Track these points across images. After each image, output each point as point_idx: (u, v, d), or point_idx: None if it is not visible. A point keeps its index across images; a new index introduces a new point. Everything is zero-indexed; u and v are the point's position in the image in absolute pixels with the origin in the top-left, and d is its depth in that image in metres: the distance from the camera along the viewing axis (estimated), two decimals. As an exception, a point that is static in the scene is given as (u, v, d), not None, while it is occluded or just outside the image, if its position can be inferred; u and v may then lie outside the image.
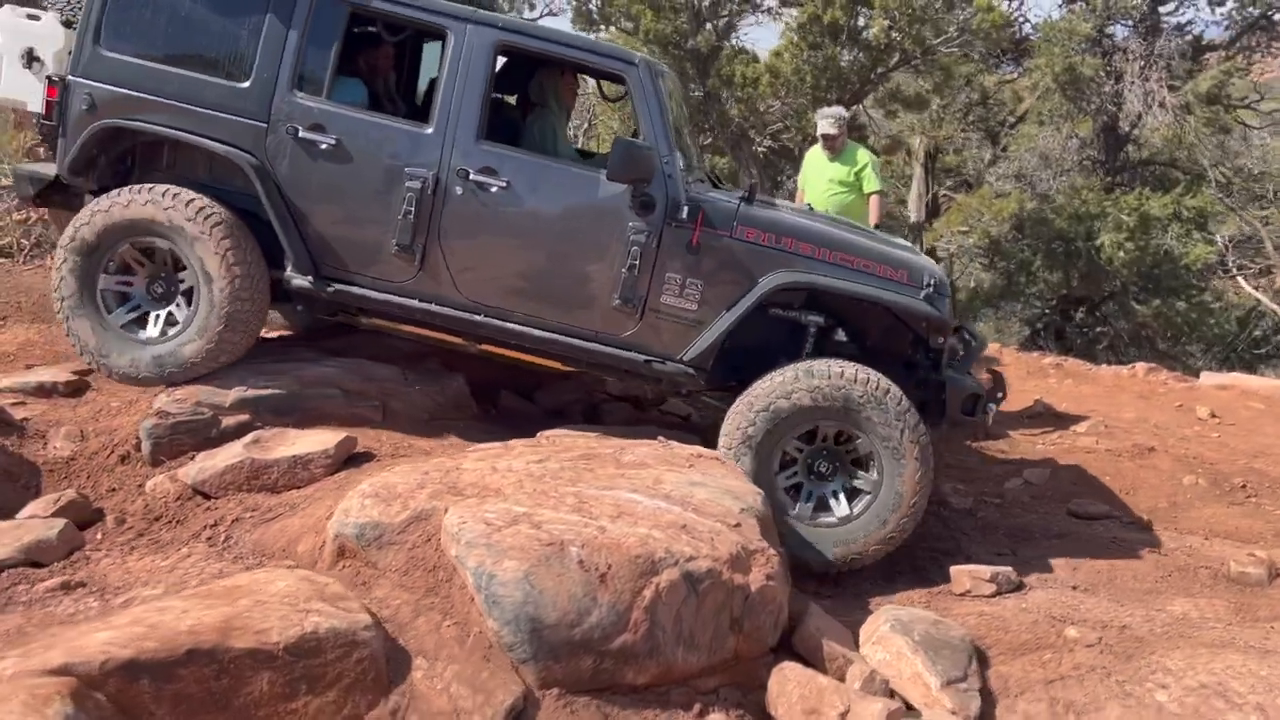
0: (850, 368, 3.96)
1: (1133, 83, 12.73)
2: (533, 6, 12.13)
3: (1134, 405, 7.63)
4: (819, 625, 3.29)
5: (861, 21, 10.20)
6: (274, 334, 5.48)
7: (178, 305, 4.24)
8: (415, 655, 2.71)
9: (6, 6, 4.56)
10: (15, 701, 2.08)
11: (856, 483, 4.08)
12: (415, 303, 4.18)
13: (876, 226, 6.67)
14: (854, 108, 11.46)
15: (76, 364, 4.82)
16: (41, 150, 6.47)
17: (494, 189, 4.10)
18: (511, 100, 5.06)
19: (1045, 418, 7.12)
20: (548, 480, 3.28)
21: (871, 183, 6.61)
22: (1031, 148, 13.79)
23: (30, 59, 4.33)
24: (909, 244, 4.87)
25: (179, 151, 4.30)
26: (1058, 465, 5.94)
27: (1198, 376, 8.96)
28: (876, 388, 3.92)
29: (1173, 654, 3.29)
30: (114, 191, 4.13)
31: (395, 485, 3.17)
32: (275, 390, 4.22)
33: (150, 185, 4.11)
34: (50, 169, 4.47)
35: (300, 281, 4.18)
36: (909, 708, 3.06)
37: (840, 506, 4.07)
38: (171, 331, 4.22)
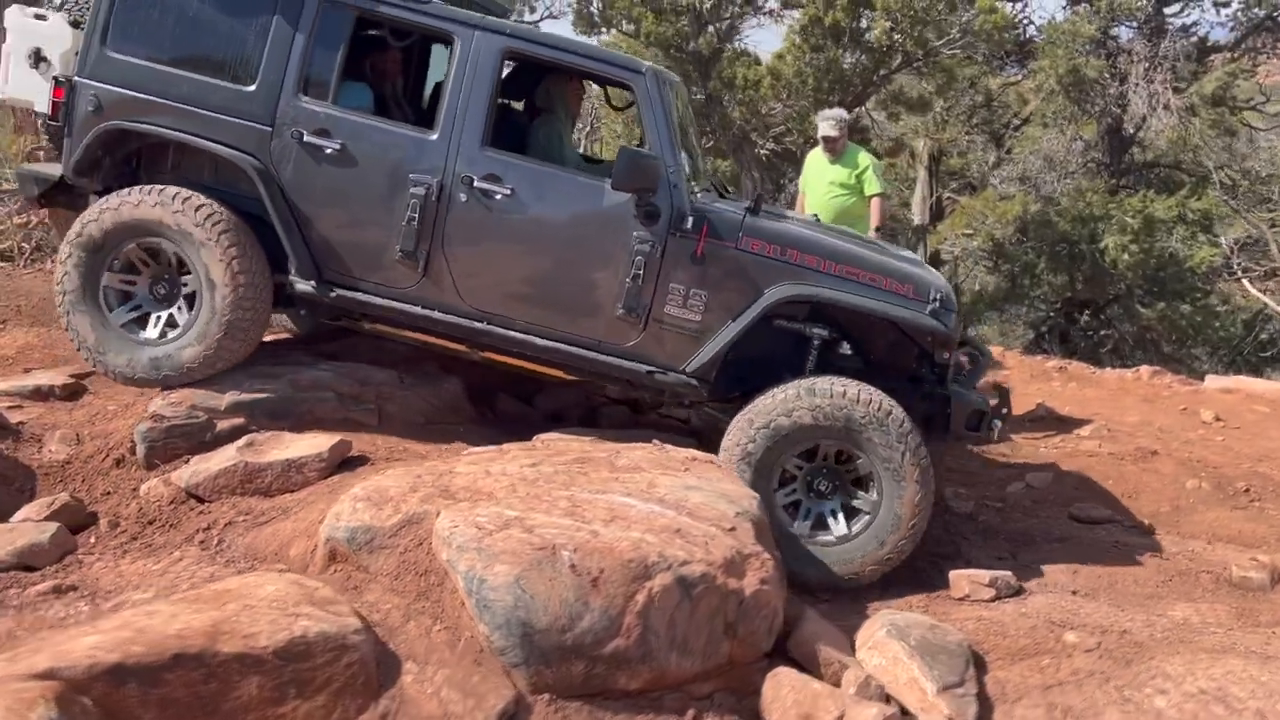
0: (853, 387, 3.90)
1: (1137, 84, 12.68)
2: (533, 9, 12.13)
3: (1138, 409, 7.59)
4: (814, 630, 3.26)
5: (863, 23, 10.18)
6: (269, 337, 5.47)
7: (179, 308, 4.23)
8: (405, 659, 2.69)
9: (14, 6, 4.57)
10: (-1, 706, 2.07)
11: (855, 502, 4.02)
12: (418, 309, 4.17)
13: (878, 229, 6.65)
14: (856, 110, 11.44)
15: (74, 367, 4.82)
16: (41, 154, 6.48)
17: (498, 196, 4.07)
18: (518, 105, 5.05)
19: (1048, 421, 7.08)
20: (541, 484, 3.26)
21: (873, 185, 6.58)
22: (1035, 150, 13.75)
23: (37, 59, 4.32)
24: (916, 257, 4.83)
25: (184, 154, 4.30)
26: (1060, 469, 5.90)
27: (1202, 380, 8.90)
28: (879, 408, 3.87)
29: (1173, 659, 3.26)
30: (125, 190, 4.12)
31: (387, 489, 3.15)
32: (270, 394, 4.21)
33: (161, 187, 4.10)
34: (56, 170, 4.48)
35: (303, 286, 4.17)
36: (905, 713, 3.02)
37: (838, 526, 4.02)
38: (171, 334, 4.21)
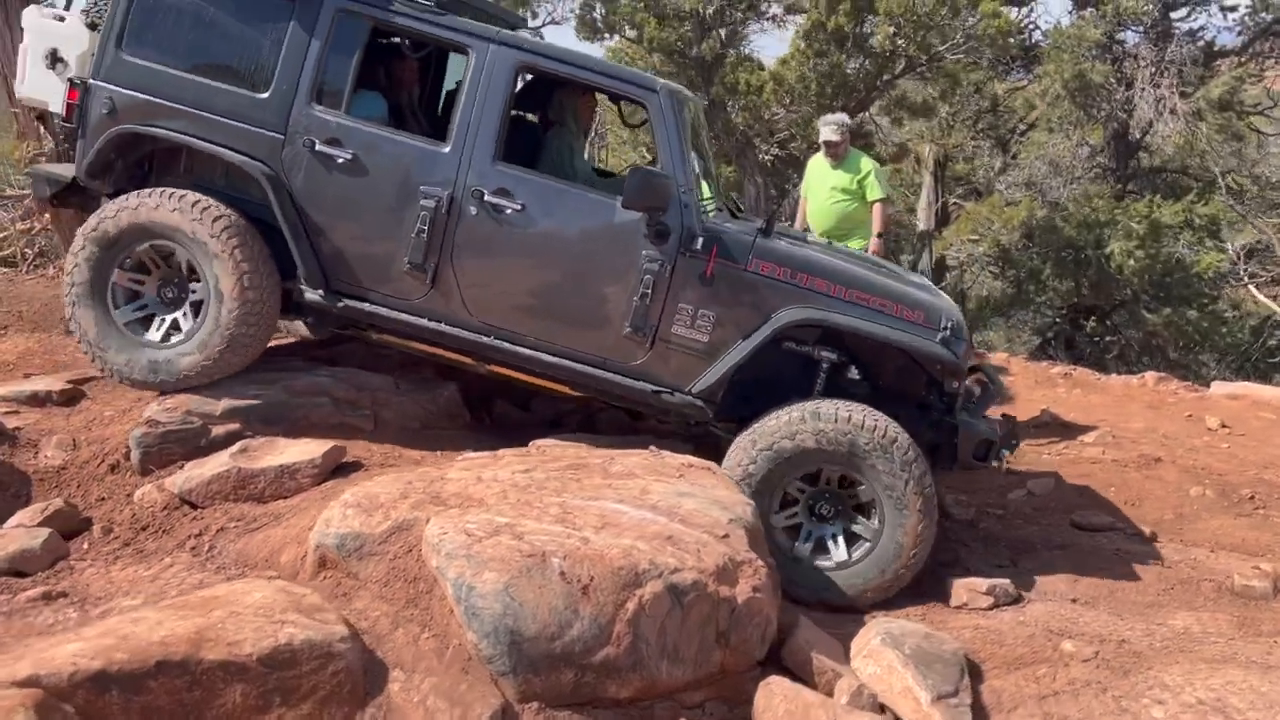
0: (859, 412, 3.86)
1: (1144, 89, 12.64)
2: (535, 15, 12.15)
3: (1143, 415, 7.53)
4: (808, 638, 3.24)
5: (867, 28, 10.16)
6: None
7: (184, 314, 4.22)
8: (393, 667, 2.67)
9: (33, 7, 4.58)
10: (-22, 714, 2.06)
11: (856, 529, 3.97)
12: (425, 322, 4.15)
13: (880, 235, 6.63)
14: (860, 115, 11.42)
15: (72, 373, 4.83)
16: (44, 160, 6.49)
17: (508, 211, 4.06)
18: (532, 118, 5.04)
19: (1052, 428, 7.03)
20: (532, 490, 3.24)
21: (875, 190, 6.55)
22: (1041, 155, 13.70)
23: (54, 60, 4.34)
24: (928, 283, 4.78)
25: (196, 158, 4.30)
26: (1062, 476, 5.86)
27: (1208, 386, 8.84)
28: (884, 436, 3.82)
29: (1171, 669, 3.22)
30: (145, 191, 4.11)
31: (377, 495, 3.14)
32: (266, 399, 4.20)
33: (182, 193, 4.09)
34: (68, 171, 4.49)
35: (311, 295, 4.16)
36: (898, 723, 3.00)
37: (838, 551, 3.96)
38: (174, 339, 4.20)
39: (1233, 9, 13.51)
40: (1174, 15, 13.18)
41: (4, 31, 6.19)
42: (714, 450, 4.61)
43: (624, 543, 2.96)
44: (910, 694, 3.03)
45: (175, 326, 4.24)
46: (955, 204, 15.76)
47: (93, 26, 4.37)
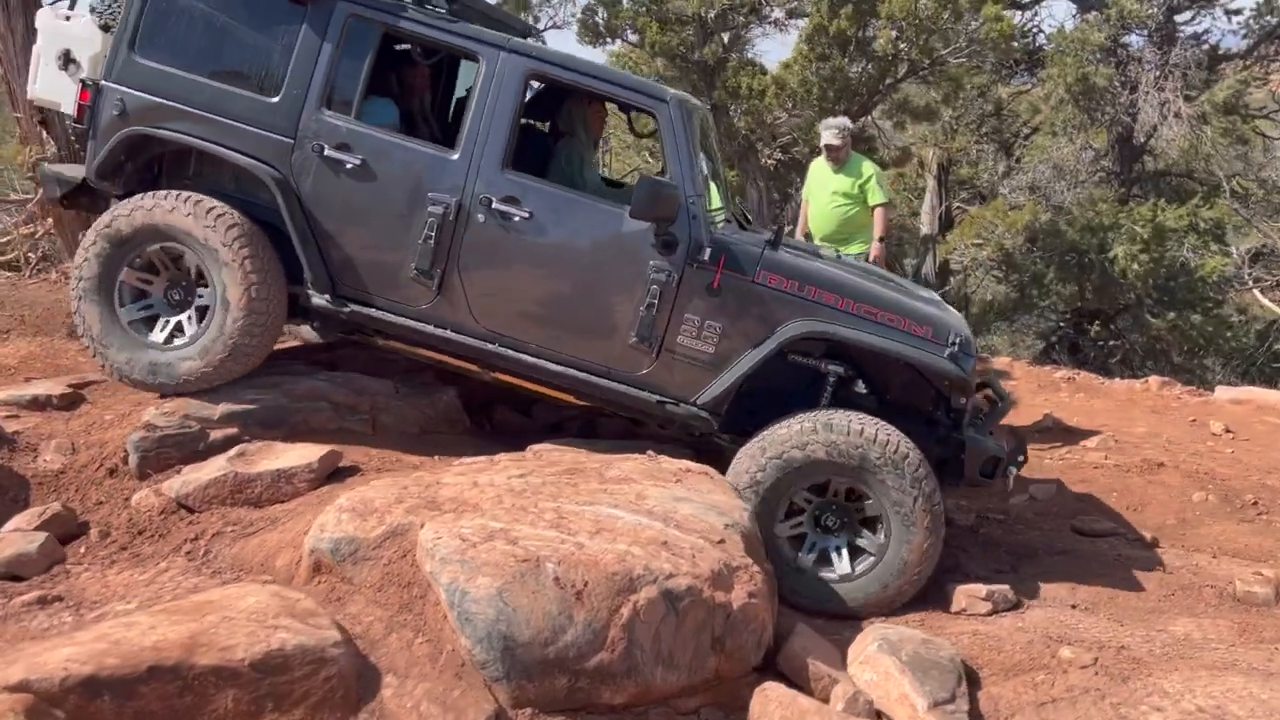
0: (871, 426, 3.83)
1: (1148, 93, 12.60)
2: (536, 19, 12.16)
3: (1146, 420, 7.50)
4: (804, 644, 3.22)
5: (869, 32, 10.15)
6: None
7: (189, 318, 4.22)
8: (386, 673, 2.67)
9: (46, 8, 4.60)
10: (-32, 719, 2.06)
11: (861, 542, 3.93)
12: (431, 328, 4.15)
13: (882, 239, 6.62)
14: (863, 119, 11.40)
15: (73, 377, 4.84)
16: (47, 165, 6.52)
17: (516, 219, 4.05)
18: (543, 126, 5.04)
19: (1054, 432, 7.00)
20: (528, 495, 3.23)
21: (876, 195, 6.54)
22: (1045, 159, 13.67)
23: (67, 61, 4.35)
24: (937, 297, 4.76)
25: (206, 161, 4.31)
26: (1064, 481, 5.83)
27: (1213, 391, 8.81)
28: (895, 450, 3.80)
29: (1171, 676, 3.20)
30: (162, 193, 4.12)
31: (372, 500, 3.14)
32: (264, 403, 4.21)
33: (199, 198, 4.09)
34: (78, 172, 4.50)
35: (318, 300, 4.16)
36: (895, 730, 2.98)
37: (842, 564, 3.93)
38: (176, 342, 4.20)
39: (1237, 12, 13.47)
40: (1178, 18, 13.14)
41: (6, 35, 6.22)
42: (714, 457, 4.61)
43: (619, 548, 2.95)
44: (907, 700, 3.01)
45: (179, 329, 4.24)
46: (959, 208, 15.74)
47: (106, 28, 4.39)
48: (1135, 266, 11.62)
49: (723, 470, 4.02)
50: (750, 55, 11.66)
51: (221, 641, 2.47)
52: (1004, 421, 5.12)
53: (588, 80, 4.17)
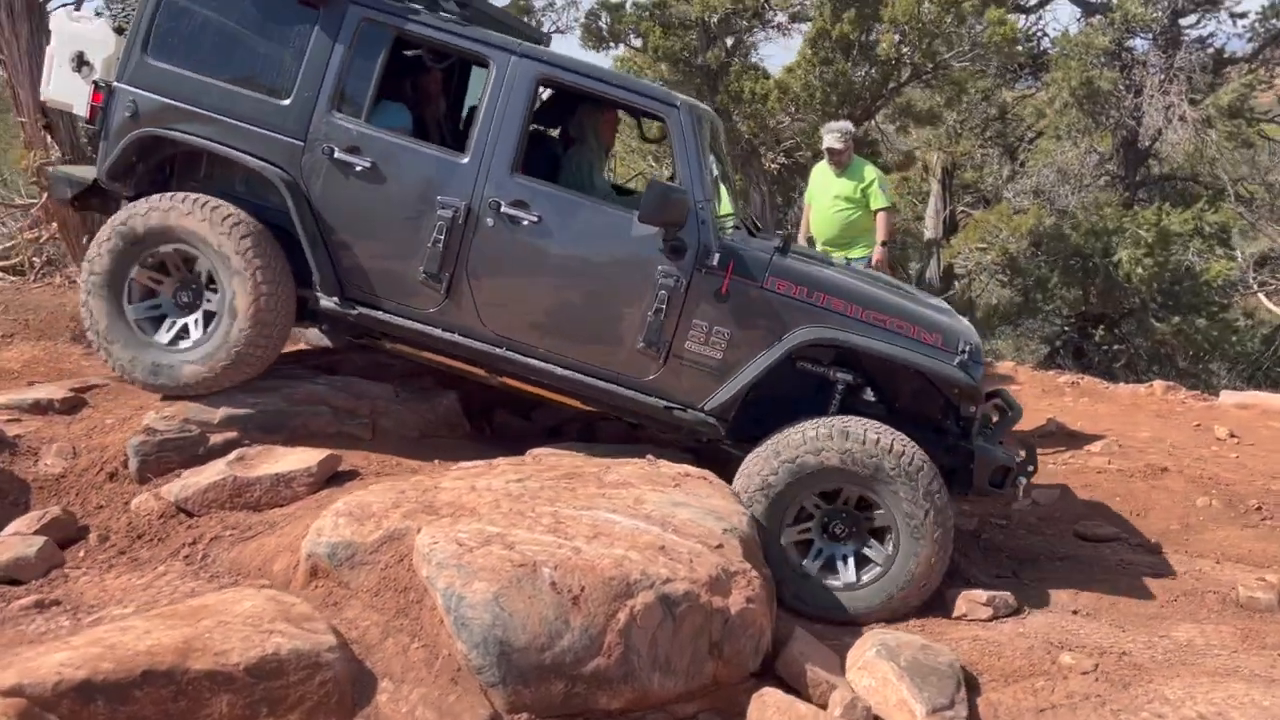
0: (888, 436, 3.80)
1: (1153, 96, 12.58)
2: (540, 24, 12.17)
3: (1150, 424, 7.47)
4: (803, 649, 3.21)
5: (872, 36, 10.14)
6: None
7: (196, 322, 4.22)
8: (381, 678, 2.66)
9: (60, 10, 4.62)
10: (-39, 723, 2.06)
11: (868, 552, 3.90)
12: (439, 332, 4.14)
13: (885, 243, 6.60)
14: (866, 124, 11.39)
15: (75, 381, 4.84)
16: (58, 166, 6.54)
17: (525, 223, 4.05)
18: (554, 134, 5.04)
19: (1058, 437, 6.98)
20: (525, 500, 3.23)
21: (878, 199, 6.53)
22: (1050, 163, 13.64)
23: (80, 63, 4.36)
24: (946, 306, 4.75)
25: (217, 163, 4.31)
26: (1067, 486, 5.81)
27: (1218, 395, 8.77)
28: (910, 463, 3.77)
29: (1172, 682, 3.18)
30: (180, 196, 4.12)
31: (370, 504, 3.13)
32: (264, 407, 4.20)
33: (216, 204, 4.09)
34: (90, 173, 4.51)
35: (326, 302, 4.16)
36: (893, 736, 2.97)
37: (847, 572, 3.90)
38: (181, 344, 4.20)
39: (1242, 15, 13.46)
40: (1183, 22, 13.12)
41: (11, 41, 6.25)
42: (713, 463, 4.60)
43: (616, 553, 2.94)
44: (905, 706, 3.00)
45: (185, 332, 4.24)
46: (963, 212, 15.72)
47: (119, 31, 4.41)
48: (1140, 270, 11.59)
49: (725, 475, 4.02)
50: (754, 60, 11.67)
51: (216, 646, 2.47)
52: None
53: (598, 85, 4.17)
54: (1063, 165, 13.53)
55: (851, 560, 3.92)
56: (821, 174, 6.75)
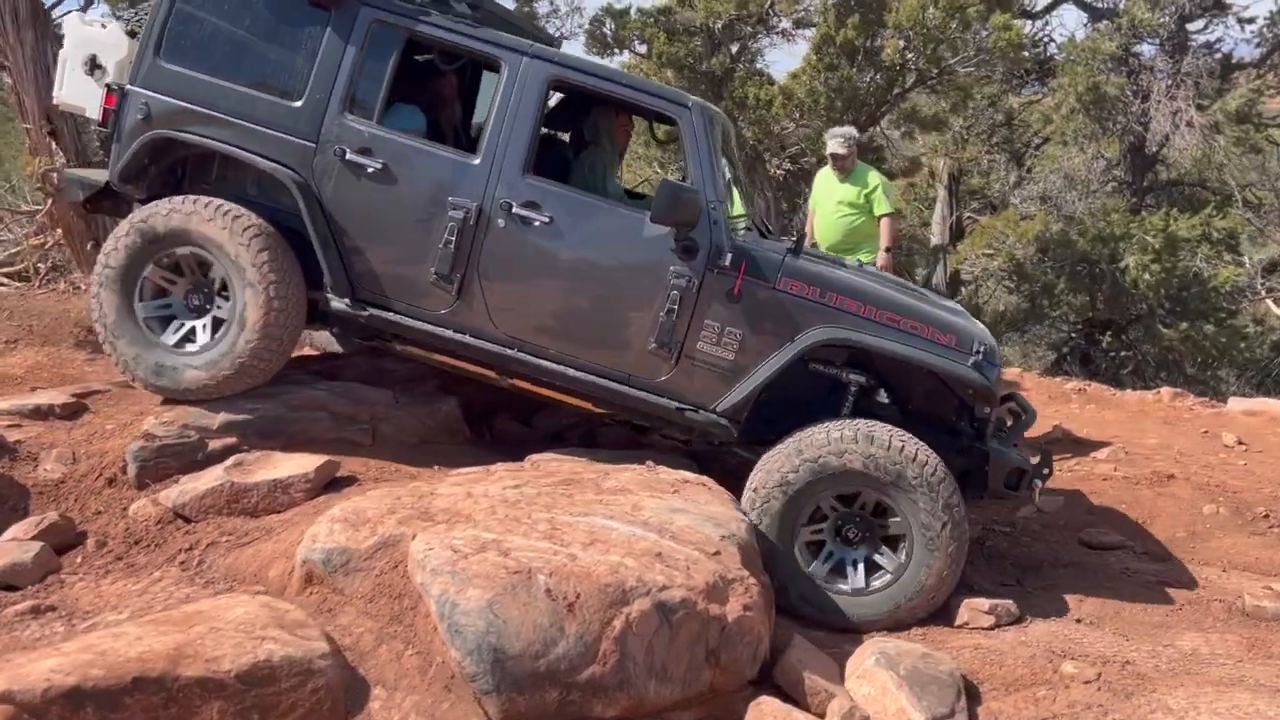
0: (912, 444, 3.77)
1: (1160, 102, 12.53)
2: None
3: (1157, 431, 7.41)
4: (801, 657, 3.18)
5: (877, 42, 10.13)
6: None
7: (204, 326, 4.21)
8: (374, 685, 2.65)
9: (74, 14, 4.63)
10: (-52, 730, 2.05)
11: (880, 559, 3.87)
12: (449, 333, 4.13)
13: (888, 249, 6.57)
14: (871, 129, 11.37)
15: (76, 387, 4.86)
16: (55, 176, 6.57)
17: (536, 223, 4.04)
18: (564, 137, 5.04)
19: (1064, 444, 6.92)
20: (522, 506, 3.21)
21: (882, 205, 6.49)
22: (1056, 169, 13.60)
23: (93, 66, 4.38)
24: (960, 307, 4.72)
25: (228, 165, 4.32)
26: (1073, 493, 5.77)
27: (1226, 402, 8.70)
28: (933, 473, 3.74)
29: (1176, 692, 3.15)
30: (203, 200, 4.11)
31: (365, 510, 3.12)
32: (263, 413, 4.19)
33: (237, 214, 4.08)
34: (102, 175, 4.51)
35: (337, 304, 4.15)
36: (892, 746, 2.94)
37: (856, 578, 3.86)
38: (187, 347, 4.19)
39: (1250, 21, 13.41)
40: (1190, 27, 13.07)
41: (16, 48, 6.28)
42: (713, 468, 4.57)
43: (612, 559, 2.92)
44: (904, 715, 2.97)
45: (192, 335, 4.23)
46: (970, 218, 15.67)
47: (132, 34, 4.42)
48: (1147, 276, 11.53)
49: (726, 482, 4.00)
50: (759, 66, 11.66)
51: (208, 652, 2.45)
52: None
53: (609, 86, 4.18)
54: (1070, 171, 13.48)
55: (862, 566, 3.89)
56: (825, 179, 6.72)
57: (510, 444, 4.93)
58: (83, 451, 4.22)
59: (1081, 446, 6.85)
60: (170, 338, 4.21)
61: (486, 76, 5.22)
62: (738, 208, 4.50)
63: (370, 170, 4.09)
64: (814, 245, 6.76)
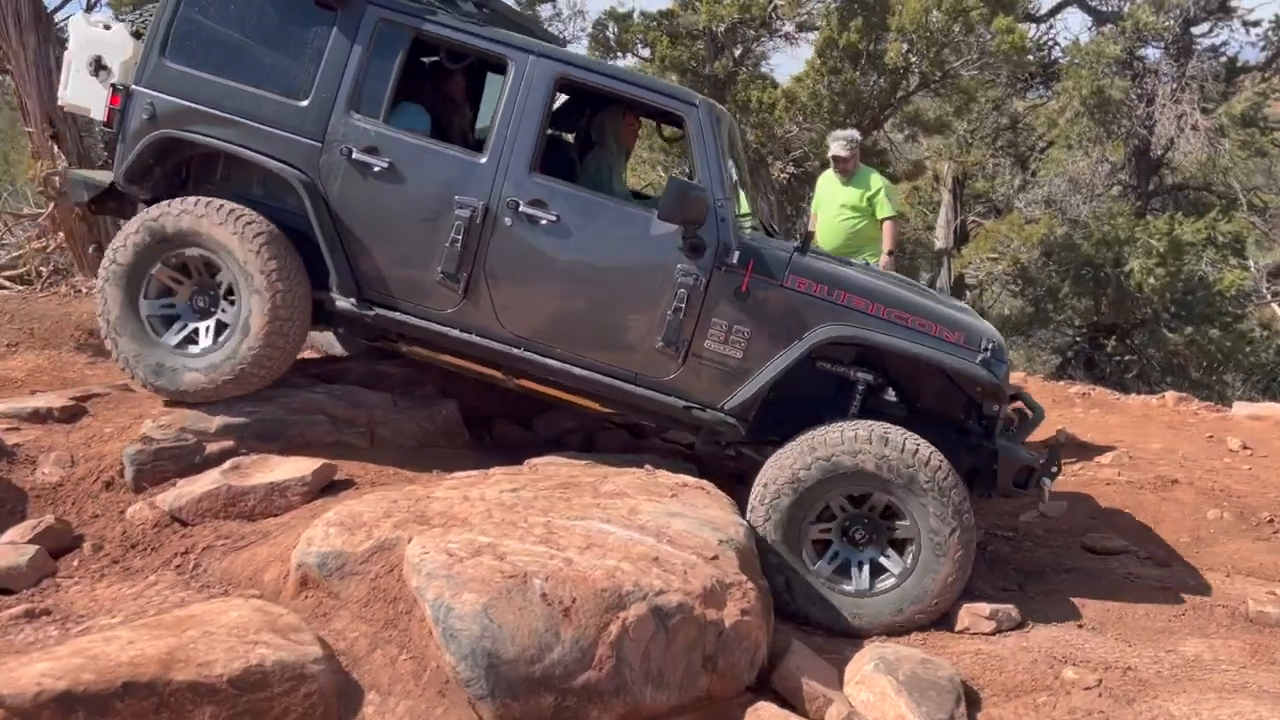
0: (926, 449, 3.76)
1: (1164, 105, 12.50)
2: (547, 34, 12.23)
3: (1162, 436, 7.37)
4: (800, 663, 3.16)
5: (880, 45, 10.11)
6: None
7: (207, 329, 4.20)
8: (368, 690, 2.63)
9: (79, 15, 4.63)
10: (-64, 734, 2.03)
11: (885, 561, 3.85)
12: (456, 332, 4.11)
13: (891, 252, 6.55)
14: (874, 133, 11.35)
15: (76, 390, 4.84)
16: (57, 180, 6.58)
17: (543, 222, 4.02)
18: (569, 139, 5.03)
19: (1068, 448, 6.88)
20: (519, 510, 3.19)
21: (884, 208, 6.47)
22: (1061, 173, 13.56)
23: (98, 67, 4.37)
24: (967, 307, 4.70)
25: (233, 165, 4.31)
26: (1076, 498, 5.74)
27: (1231, 406, 8.65)
28: (945, 478, 3.73)
29: (1178, 698, 3.12)
30: (216, 203, 4.10)
31: (361, 514, 3.10)
32: (261, 416, 4.17)
33: (250, 220, 4.06)
34: (106, 177, 4.50)
35: (343, 303, 4.13)
36: (891, 752, 2.91)
37: (860, 579, 3.84)
38: (189, 349, 4.18)
39: (1255, 24, 13.38)
40: (1195, 30, 13.04)
41: (18, 52, 6.29)
42: (714, 472, 4.56)
43: (608, 564, 2.90)
44: (903, 722, 2.94)
45: (194, 336, 4.22)
46: (974, 222, 15.64)
47: (138, 35, 4.42)
48: (1152, 280, 11.48)
49: (726, 484, 3.98)
50: (763, 69, 11.66)
51: (200, 657, 2.44)
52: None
53: (616, 84, 4.17)
54: (1074, 175, 13.45)
55: (867, 568, 3.87)
56: (828, 182, 6.70)
57: (510, 448, 4.91)
58: (81, 455, 4.20)
59: (1085, 451, 6.81)
60: (172, 338, 4.20)
61: (490, 80, 5.22)
62: (743, 207, 4.49)
63: (377, 169, 4.08)
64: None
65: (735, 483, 4.66)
